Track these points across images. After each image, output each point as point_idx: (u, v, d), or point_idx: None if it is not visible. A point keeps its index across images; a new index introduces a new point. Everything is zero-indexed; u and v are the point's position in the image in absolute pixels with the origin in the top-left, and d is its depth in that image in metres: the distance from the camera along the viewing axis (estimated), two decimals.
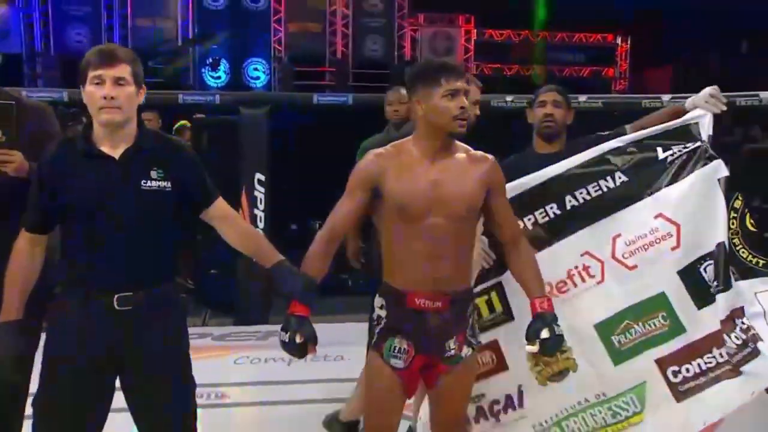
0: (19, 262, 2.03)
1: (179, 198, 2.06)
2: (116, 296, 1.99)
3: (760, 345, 2.25)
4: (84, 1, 12.24)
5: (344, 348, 3.66)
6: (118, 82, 1.96)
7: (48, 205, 2.02)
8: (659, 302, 2.38)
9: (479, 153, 2.19)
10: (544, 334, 2.06)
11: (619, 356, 2.38)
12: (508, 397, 2.49)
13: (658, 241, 2.40)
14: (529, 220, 2.46)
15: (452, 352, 2.13)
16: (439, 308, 2.10)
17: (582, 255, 2.41)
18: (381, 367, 2.14)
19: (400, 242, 2.12)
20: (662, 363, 2.33)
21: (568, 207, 2.45)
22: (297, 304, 2.04)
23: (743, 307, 2.31)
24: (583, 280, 2.39)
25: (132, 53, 2.04)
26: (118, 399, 2.08)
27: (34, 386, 2.10)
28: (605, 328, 2.36)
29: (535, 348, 2.08)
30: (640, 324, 2.35)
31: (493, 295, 2.48)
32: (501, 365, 2.47)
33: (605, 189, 2.48)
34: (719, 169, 2.41)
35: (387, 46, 13.43)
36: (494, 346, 2.49)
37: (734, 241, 2.39)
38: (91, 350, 1.99)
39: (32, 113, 2.39)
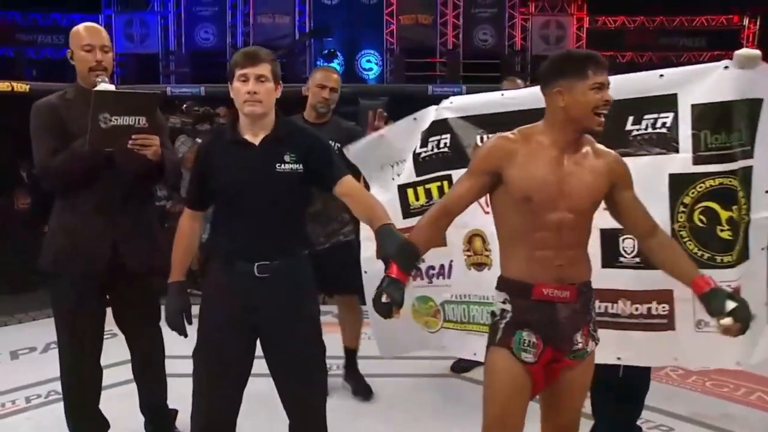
0: (182, 233, 2.35)
1: (310, 178, 2.26)
2: (256, 264, 2.22)
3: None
4: (212, 1, 13.01)
5: None
6: (259, 79, 2.18)
7: (202, 185, 2.29)
8: None
9: (602, 147, 2.10)
10: (730, 305, 1.95)
11: None
12: (441, 267, 2.92)
13: None
14: None
15: (579, 345, 2.04)
16: (567, 298, 2.01)
17: None
18: (509, 364, 2.03)
19: (524, 232, 2.02)
20: None
21: None
22: (394, 266, 1.99)
23: (672, 290, 2.45)
24: None
25: (271, 54, 2.26)
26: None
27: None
28: None
29: (729, 321, 1.95)
30: None
31: (434, 185, 2.87)
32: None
33: None
34: (671, 163, 2.46)
35: (498, 36, 13.40)
36: None
37: (681, 233, 2.47)
38: (235, 310, 2.24)
39: None
